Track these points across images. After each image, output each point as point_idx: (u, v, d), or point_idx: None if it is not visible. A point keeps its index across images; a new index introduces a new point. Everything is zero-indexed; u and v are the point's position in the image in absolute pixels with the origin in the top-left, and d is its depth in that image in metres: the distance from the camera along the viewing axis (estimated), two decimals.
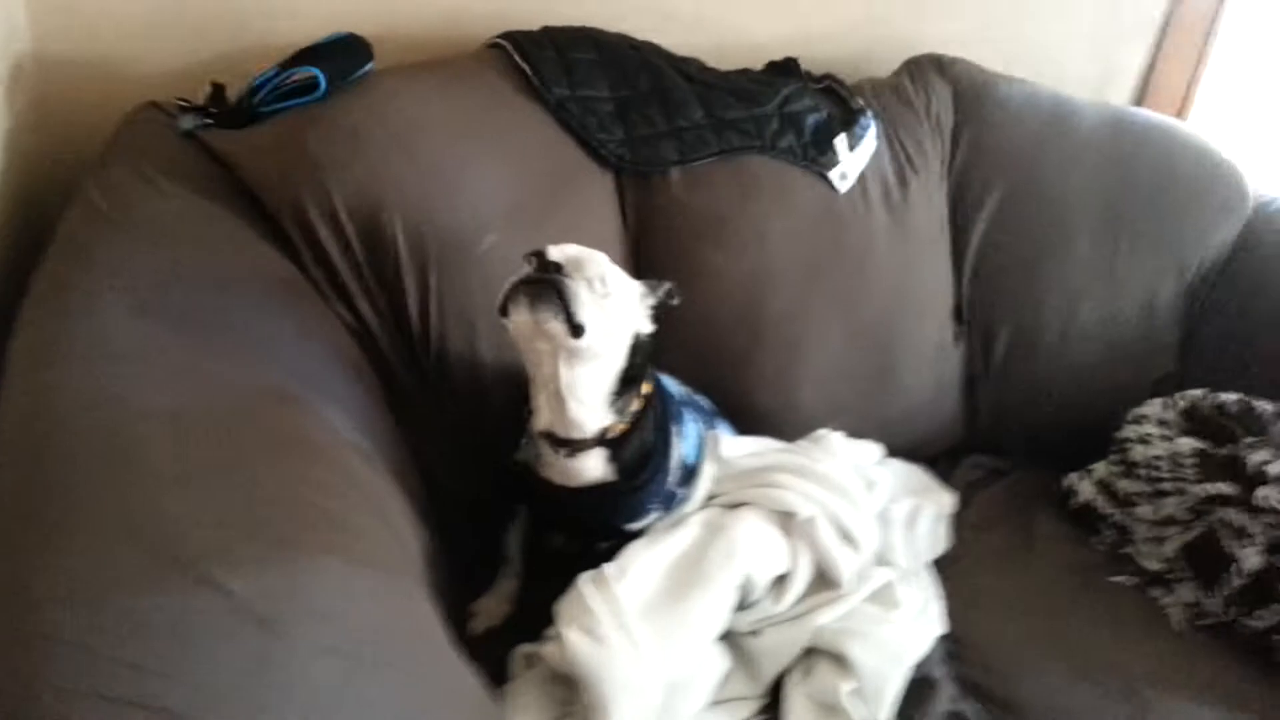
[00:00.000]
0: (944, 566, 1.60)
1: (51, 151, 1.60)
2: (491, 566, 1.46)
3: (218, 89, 1.51)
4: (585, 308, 1.14)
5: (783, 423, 1.66)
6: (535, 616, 1.28)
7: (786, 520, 1.39)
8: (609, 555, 1.30)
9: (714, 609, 1.26)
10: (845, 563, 1.37)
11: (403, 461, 1.34)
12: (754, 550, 1.31)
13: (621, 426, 1.26)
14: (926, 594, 1.46)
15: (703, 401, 1.55)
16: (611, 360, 1.22)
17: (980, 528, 1.71)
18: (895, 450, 1.79)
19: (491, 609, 1.43)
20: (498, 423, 1.38)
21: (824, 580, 1.38)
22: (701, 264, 1.62)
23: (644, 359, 1.27)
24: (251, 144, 1.38)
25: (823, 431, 1.60)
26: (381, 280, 1.38)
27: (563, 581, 1.27)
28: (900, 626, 1.35)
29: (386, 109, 1.43)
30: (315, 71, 1.38)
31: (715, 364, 1.64)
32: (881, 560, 1.49)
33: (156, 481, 0.89)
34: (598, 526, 1.36)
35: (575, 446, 1.26)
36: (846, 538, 1.40)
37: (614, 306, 1.18)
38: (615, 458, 1.27)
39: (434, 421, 1.43)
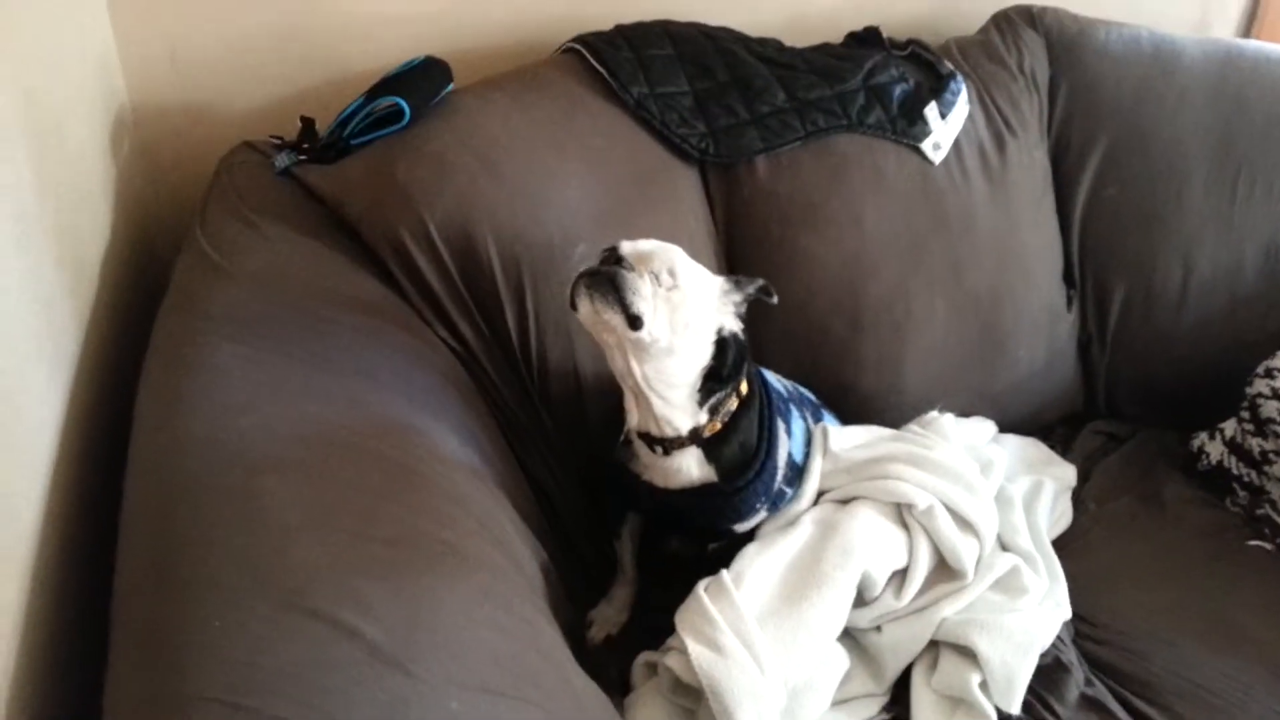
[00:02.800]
0: (1069, 542, 1.57)
1: (157, 197, 1.68)
2: (610, 571, 1.49)
3: (307, 124, 1.54)
4: (643, 299, 1.14)
5: (889, 407, 1.64)
6: (655, 621, 1.30)
7: (902, 512, 1.36)
8: (724, 557, 1.30)
9: (833, 609, 1.25)
10: (966, 552, 1.34)
11: (512, 476, 1.36)
12: (870, 546, 1.29)
13: (716, 426, 1.26)
14: (1053, 576, 1.42)
15: (808, 395, 1.53)
16: (691, 356, 1.21)
17: (1104, 499, 1.67)
18: (1009, 424, 1.75)
19: (609, 617, 1.45)
20: (600, 430, 1.39)
21: (946, 570, 1.36)
22: (796, 252, 1.60)
23: (737, 357, 1.25)
24: (344, 178, 1.41)
25: (933, 414, 1.57)
26: (479, 301, 1.39)
27: (681, 585, 1.28)
28: (1027, 614, 1.31)
29: (469, 130, 1.44)
30: (398, 100, 1.40)
31: (816, 352, 1.62)
32: (1004, 544, 1.46)
33: (281, 532, 0.92)
34: (704, 528, 1.36)
35: (669, 445, 1.26)
36: (966, 525, 1.37)
37: (684, 299, 1.17)
38: (712, 457, 1.27)
39: (539, 434, 1.45)
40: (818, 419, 1.49)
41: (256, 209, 1.38)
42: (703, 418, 1.25)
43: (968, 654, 1.27)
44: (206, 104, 1.66)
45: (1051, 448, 1.77)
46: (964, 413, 1.68)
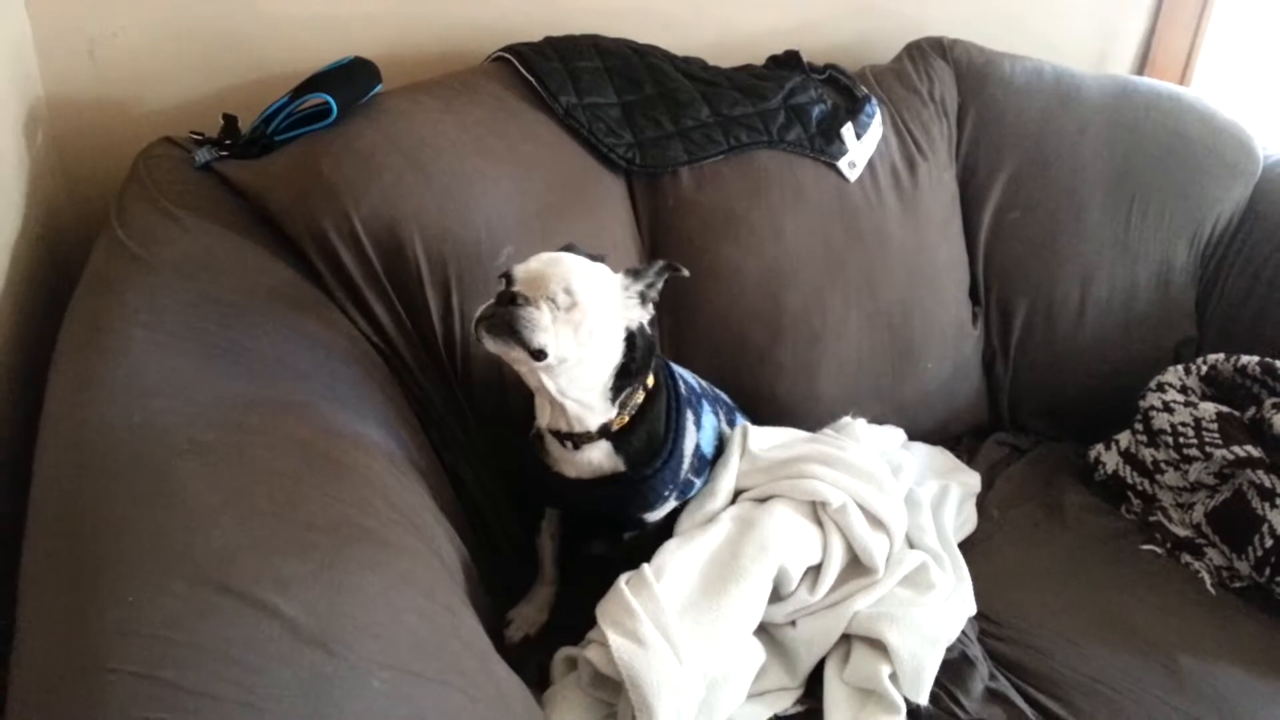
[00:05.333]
0: (974, 546, 1.62)
1: (72, 190, 1.64)
2: (530, 567, 1.49)
3: (230, 121, 1.53)
4: (542, 330, 1.15)
5: (805, 413, 1.68)
6: (573, 622, 1.31)
7: (817, 509, 1.40)
8: (643, 555, 1.32)
9: (750, 603, 1.27)
10: (877, 548, 1.38)
11: (432, 470, 1.36)
12: (786, 542, 1.33)
13: (624, 419, 1.28)
14: (958, 574, 1.48)
15: (723, 396, 1.57)
16: (602, 360, 1.23)
17: (1007, 505, 1.73)
18: (918, 434, 1.81)
19: (528, 616, 1.45)
20: (522, 423, 1.40)
21: (857, 567, 1.40)
22: (719, 260, 1.64)
23: (645, 350, 1.28)
24: (268, 173, 1.40)
25: (846, 419, 1.62)
26: (404, 296, 1.40)
27: (601, 585, 1.29)
28: (934, 608, 1.36)
29: (398, 130, 1.45)
30: (326, 97, 1.40)
31: (736, 358, 1.66)
32: (912, 543, 1.51)
33: (199, 512, 0.91)
34: (615, 517, 1.38)
35: (578, 440, 1.28)
36: (877, 523, 1.41)
37: (585, 313, 1.18)
38: (620, 449, 1.29)
39: (460, 427, 1.46)
40: (731, 421, 1.53)
41: (176, 201, 1.36)
42: (612, 413, 1.27)
43: (878, 646, 1.31)
44: (126, 99, 1.63)
45: (958, 457, 1.84)
46: (875, 421, 1.73)
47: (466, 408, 1.46)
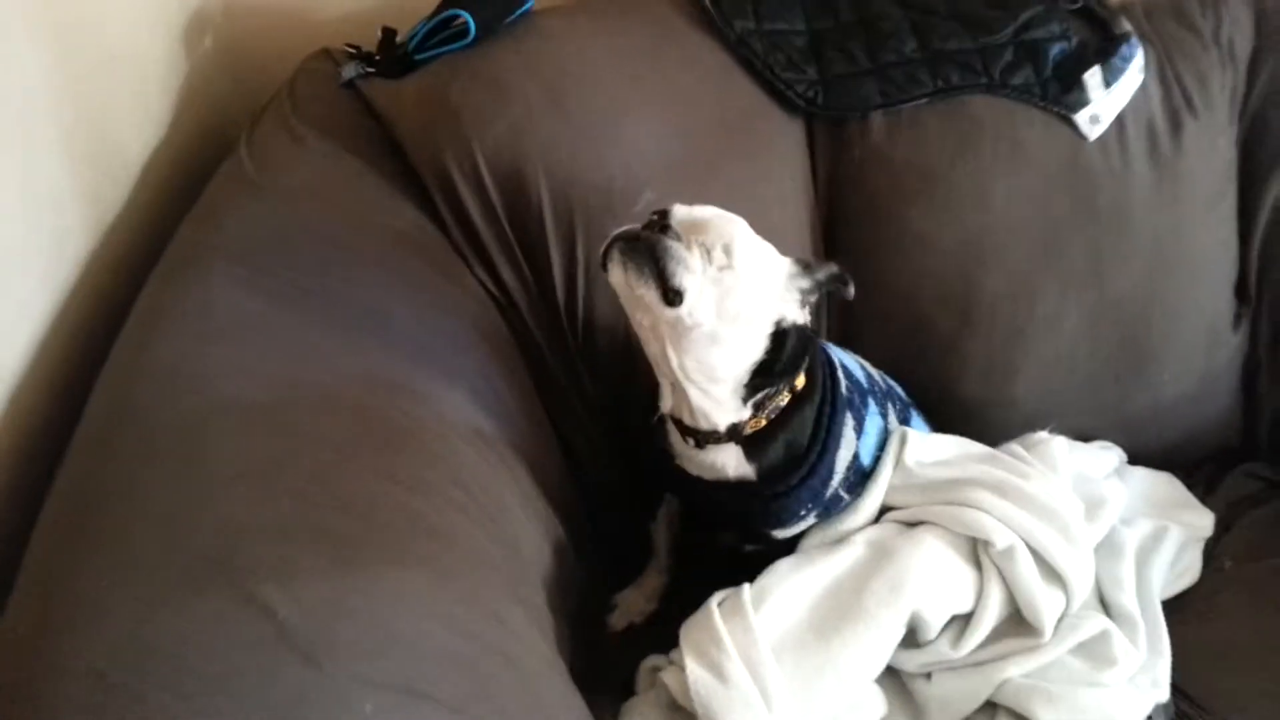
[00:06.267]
0: (1189, 604, 1.32)
1: (246, 98, 1.60)
2: (645, 553, 1.35)
3: (388, 34, 1.43)
4: (686, 273, 0.97)
5: (994, 420, 1.42)
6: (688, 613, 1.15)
7: (978, 549, 1.16)
8: (765, 561, 1.14)
9: (871, 652, 1.07)
10: (1047, 606, 1.12)
11: (540, 441, 1.23)
12: (928, 584, 1.10)
13: (760, 422, 1.09)
14: (1153, 647, 1.18)
15: (898, 390, 1.34)
16: (740, 349, 1.04)
17: (1245, 557, 1.39)
18: (1141, 456, 1.49)
19: (635, 604, 1.32)
20: (647, 399, 1.24)
21: (1019, 623, 1.15)
22: (907, 229, 1.39)
23: (795, 351, 1.08)
24: (400, 95, 1.29)
25: (1041, 435, 1.34)
26: (525, 244, 1.26)
27: (726, 578, 1.14)
28: (1110, 691, 1.10)
29: (539, 54, 1.29)
30: (464, 14, 1.27)
31: (915, 347, 1.41)
32: (1103, 600, 1.23)
33: (216, 481, 0.83)
34: (740, 527, 1.20)
35: (703, 438, 1.10)
36: (1052, 575, 1.15)
37: (736, 284, 1.00)
38: (752, 456, 1.11)
39: (579, 401, 1.32)
40: (904, 419, 1.29)
41: (310, 121, 1.29)
42: (745, 414, 1.08)
43: None
44: (296, 5, 1.57)
45: (1191, 488, 1.49)
46: (1085, 436, 1.44)
47: (586, 377, 1.31)
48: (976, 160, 1.37)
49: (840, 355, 1.23)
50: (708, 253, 0.99)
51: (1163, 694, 1.14)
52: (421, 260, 1.20)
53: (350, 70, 1.37)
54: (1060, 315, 1.40)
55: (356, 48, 1.43)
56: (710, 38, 1.37)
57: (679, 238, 0.99)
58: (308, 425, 0.91)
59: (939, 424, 1.37)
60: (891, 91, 1.37)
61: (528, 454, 1.16)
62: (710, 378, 1.05)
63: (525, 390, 1.24)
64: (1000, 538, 1.13)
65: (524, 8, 1.34)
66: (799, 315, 1.07)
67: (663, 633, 1.19)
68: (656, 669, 1.13)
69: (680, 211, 1.03)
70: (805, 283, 1.06)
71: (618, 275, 1.00)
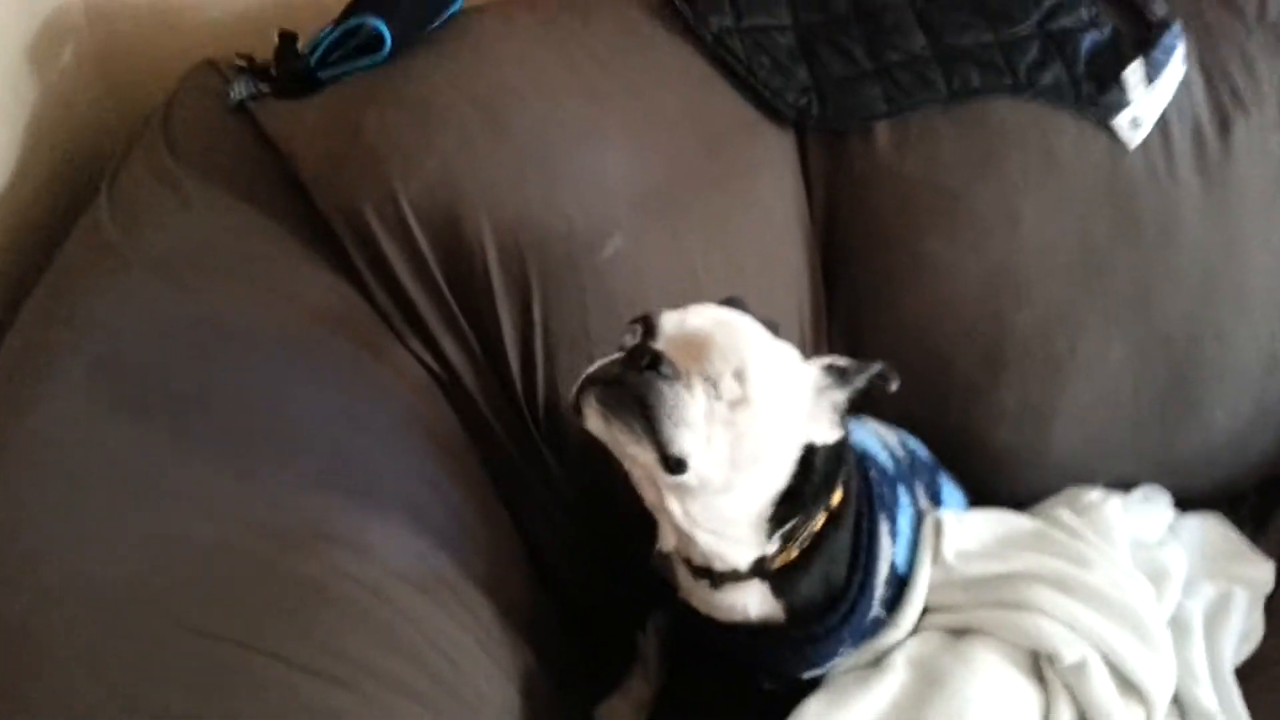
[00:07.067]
0: (1256, 672, 1.12)
1: (115, 105, 1.33)
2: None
3: (285, 40, 1.15)
4: (690, 429, 0.75)
5: (1027, 469, 1.23)
6: None
7: (1040, 663, 0.95)
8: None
9: None
10: None
11: (505, 556, 1.00)
12: (991, 717, 0.89)
13: (791, 554, 0.87)
14: None
15: (921, 452, 1.13)
16: (758, 490, 0.83)
17: None
18: (1187, 497, 1.30)
19: (619, 717, 1.10)
20: (628, 487, 1.01)
21: None
22: (922, 257, 1.17)
23: (825, 474, 0.86)
24: (302, 123, 1.04)
25: (1093, 496, 1.15)
26: (469, 309, 1.02)
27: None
28: None
29: (471, 69, 1.04)
30: (375, 22, 1.01)
31: (935, 392, 1.20)
32: (1177, 696, 1.03)
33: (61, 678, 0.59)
34: (760, 668, 0.98)
35: (719, 579, 0.88)
36: (1130, 688, 0.95)
37: (754, 419, 0.78)
38: (781, 592, 0.89)
39: (546, 493, 1.08)
40: (934, 492, 1.09)
41: (188, 159, 1.04)
42: (772, 547, 0.87)
43: None
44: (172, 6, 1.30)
45: (1240, 526, 1.31)
46: (1126, 483, 1.25)
47: (554, 465, 1.07)
48: (1001, 175, 1.16)
49: (857, 433, 1.01)
50: (714, 386, 0.77)
51: None
52: (340, 338, 0.96)
53: (240, 89, 1.11)
54: (1103, 351, 1.19)
55: (249, 58, 1.16)
56: (683, 40, 1.13)
57: (673, 371, 0.76)
58: (175, 607, 0.67)
59: (964, 479, 1.17)
60: (899, 96, 1.15)
61: (488, 574, 0.93)
62: (724, 521, 0.84)
63: (480, 489, 1.01)
64: (1069, 651, 0.93)
65: (451, 9, 1.09)
66: (831, 435, 0.85)
67: None
68: None
69: (670, 324, 0.80)
70: (839, 395, 0.84)
71: (597, 425, 0.78)
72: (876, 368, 0.83)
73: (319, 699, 0.67)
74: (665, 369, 0.75)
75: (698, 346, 0.77)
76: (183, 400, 0.81)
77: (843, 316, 1.20)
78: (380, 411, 0.93)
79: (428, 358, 1.02)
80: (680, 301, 0.86)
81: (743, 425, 0.77)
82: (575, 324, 1.02)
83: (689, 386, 0.75)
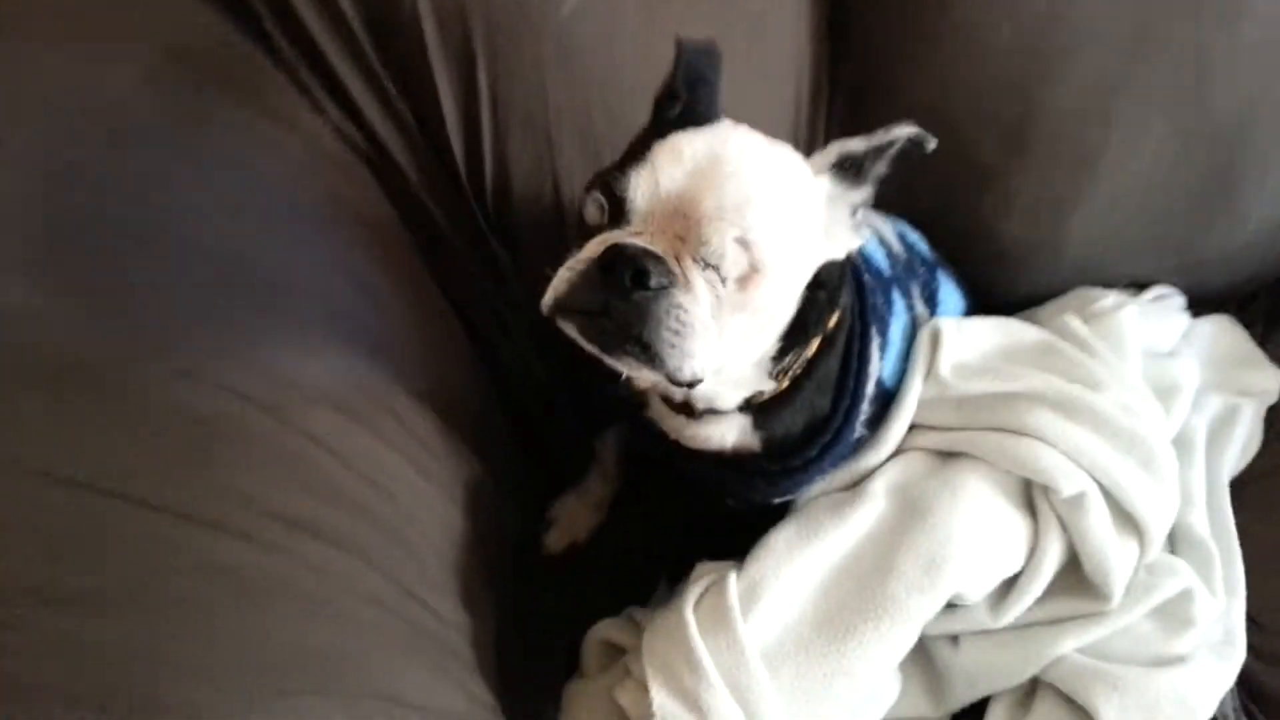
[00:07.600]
0: (1245, 486, 1.06)
1: None
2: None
3: None
4: (698, 345, 0.62)
5: (1037, 264, 1.13)
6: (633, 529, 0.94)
7: (1033, 492, 0.87)
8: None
9: (894, 648, 0.80)
10: (1121, 565, 0.86)
11: (447, 356, 0.89)
12: (975, 554, 0.82)
13: (783, 385, 0.77)
14: (1229, 587, 0.93)
15: (920, 245, 1.01)
16: (768, 335, 0.72)
17: None
18: (1203, 296, 1.21)
19: (575, 516, 1.05)
20: None
21: (1076, 580, 0.88)
22: (943, 20, 1.00)
23: (832, 291, 0.75)
24: None
25: (1106, 301, 1.04)
26: (398, 72, 0.84)
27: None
28: (1186, 670, 0.85)
29: None
30: None
31: (947, 179, 1.07)
32: (1173, 532, 0.96)
33: None
34: (729, 492, 0.89)
35: (700, 413, 0.79)
36: (1127, 522, 0.87)
37: (764, 280, 0.64)
38: (763, 424, 0.79)
39: (490, 281, 0.95)
40: (930, 292, 0.98)
41: None
42: (766, 385, 0.76)
43: (1081, 713, 0.84)
44: None
45: (1249, 325, 1.22)
46: (1139, 282, 1.16)
47: (501, 252, 0.93)
48: None
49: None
50: (715, 270, 0.63)
51: (1238, 652, 0.91)
52: (235, 102, 0.79)
53: None
54: (1142, 137, 1.04)
55: None
56: None
57: (665, 276, 0.61)
58: (25, 451, 0.56)
59: (968, 272, 1.07)
60: None
61: (425, 381, 0.82)
62: (725, 373, 0.71)
63: (416, 283, 0.88)
64: (1068, 484, 0.84)
65: None
66: (852, 242, 0.72)
67: (611, 553, 0.98)
68: (608, 645, 0.87)
69: (642, 194, 0.63)
70: (856, 195, 0.69)
71: (586, 344, 0.65)
72: (906, 133, 0.68)
73: (207, 553, 0.58)
74: (654, 280, 0.60)
75: (684, 219, 0.62)
76: (60, 192, 0.66)
77: (845, 89, 1.03)
78: (284, 195, 0.78)
79: (350, 128, 0.85)
80: (659, 73, 0.70)
81: (756, 298, 0.64)
82: (531, 97, 0.85)
83: (687, 285, 0.62)
